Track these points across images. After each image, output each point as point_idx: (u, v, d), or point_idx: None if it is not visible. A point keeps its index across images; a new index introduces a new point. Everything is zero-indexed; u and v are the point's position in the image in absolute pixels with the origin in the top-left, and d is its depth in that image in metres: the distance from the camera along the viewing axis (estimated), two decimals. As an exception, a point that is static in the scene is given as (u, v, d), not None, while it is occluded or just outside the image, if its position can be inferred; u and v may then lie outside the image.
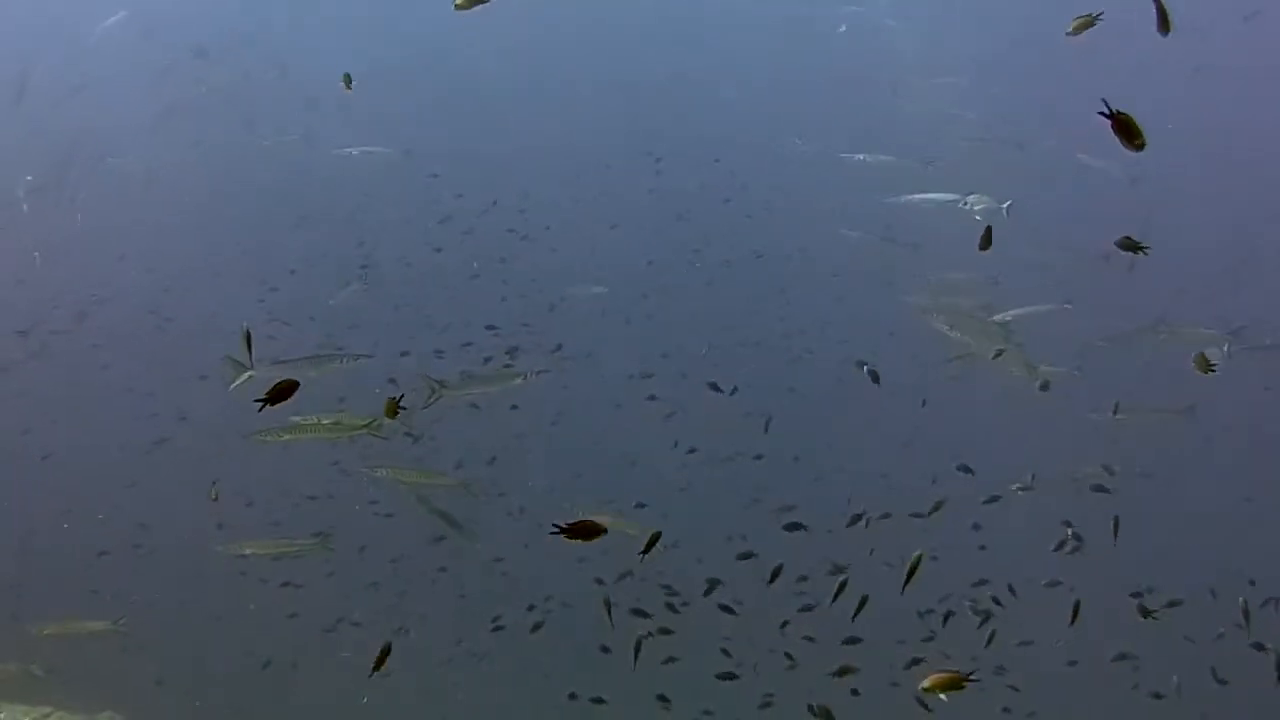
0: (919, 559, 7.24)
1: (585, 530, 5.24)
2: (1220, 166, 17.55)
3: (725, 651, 9.94)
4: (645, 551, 6.82)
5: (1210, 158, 17.38)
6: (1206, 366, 7.91)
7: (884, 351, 11.35)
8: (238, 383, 7.80)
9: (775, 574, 8.91)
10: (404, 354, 12.01)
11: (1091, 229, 11.81)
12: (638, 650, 8.48)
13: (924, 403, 12.06)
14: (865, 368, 9.91)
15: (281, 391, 5.83)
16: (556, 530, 5.16)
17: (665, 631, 9.46)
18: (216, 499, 9.48)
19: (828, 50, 21.15)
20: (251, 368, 7.68)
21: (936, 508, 9.19)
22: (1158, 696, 9.81)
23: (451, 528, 10.43)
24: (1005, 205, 10.97)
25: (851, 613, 8.23)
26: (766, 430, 11.80)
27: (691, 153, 17.30)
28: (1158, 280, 12.43)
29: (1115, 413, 10.71)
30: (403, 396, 7.34)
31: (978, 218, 11.03)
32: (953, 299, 10.74)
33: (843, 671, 8.62)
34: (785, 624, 9.89)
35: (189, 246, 15.73)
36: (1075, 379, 11.10)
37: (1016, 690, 9.84)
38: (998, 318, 10.46)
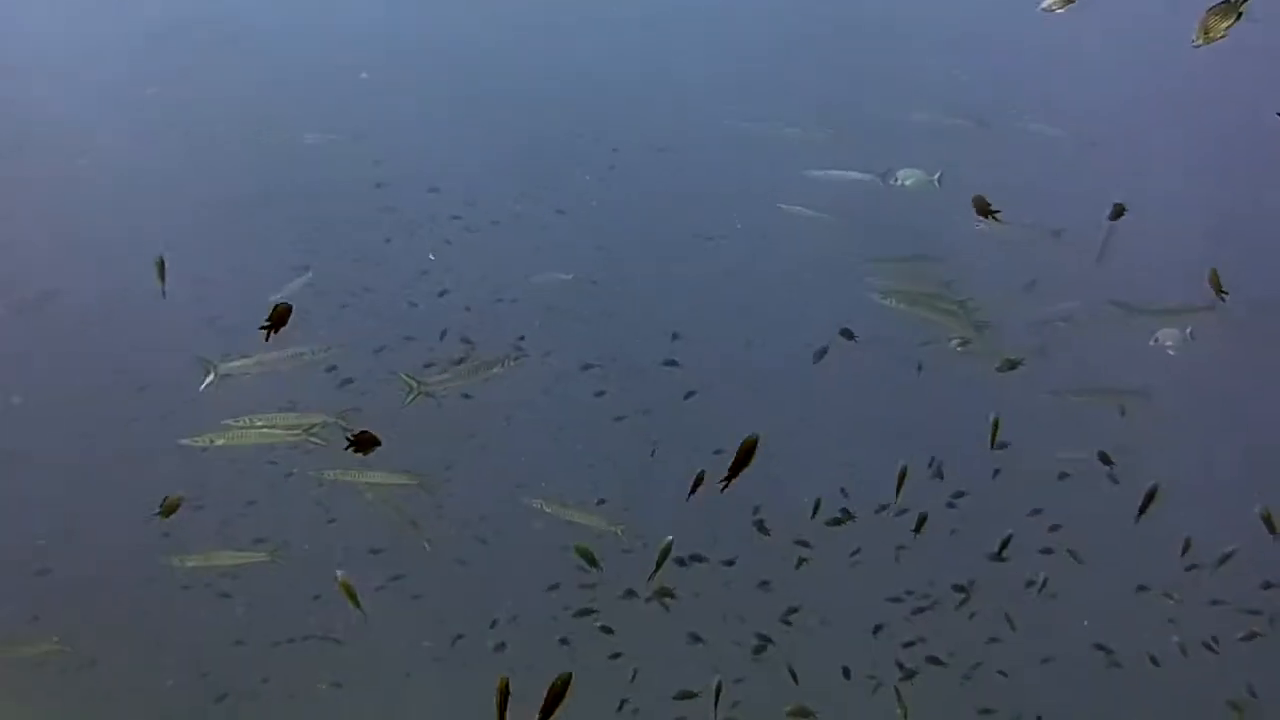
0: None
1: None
2: (1186, 133, 17.40)
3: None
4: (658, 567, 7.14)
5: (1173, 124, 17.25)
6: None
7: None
8: (208, 382, 7.79)
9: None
10: (379, 349, 11.76)
11: (1049, 202, 11.72)
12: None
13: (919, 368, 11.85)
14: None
15: (280, 316, 5.57)
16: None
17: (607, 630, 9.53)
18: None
19: (783, 25, 20.72)
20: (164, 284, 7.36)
21: (920, 523, 8.91)
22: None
23: (408, 524, 10.18)
24: (936, 176, 10.78)
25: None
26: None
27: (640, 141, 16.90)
28: (1121, 255, 12.33)
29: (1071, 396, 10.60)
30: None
31: (908, 188, 10.78)
32: (910, 279, 10.48)
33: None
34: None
35: (120, 238, 15.11)
36: (1039, 359, 10.95)
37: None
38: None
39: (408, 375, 8.10)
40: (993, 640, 10.43)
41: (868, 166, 12.42)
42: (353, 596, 7.43)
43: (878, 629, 10.57)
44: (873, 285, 10.41)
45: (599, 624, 10.09)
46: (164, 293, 7.27)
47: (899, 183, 10.83)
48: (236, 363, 8.04)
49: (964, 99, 15.40)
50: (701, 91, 17.97)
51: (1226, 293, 6.31)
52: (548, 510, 8.64)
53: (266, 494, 11.55)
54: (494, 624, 11.00)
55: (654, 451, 12.01)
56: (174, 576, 9.69)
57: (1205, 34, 3.97)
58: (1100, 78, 17.15)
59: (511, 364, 8.60)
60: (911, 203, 11.07)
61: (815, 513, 9.30)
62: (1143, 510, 8.00)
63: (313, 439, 7.69)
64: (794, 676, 9.48)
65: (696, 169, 17.04)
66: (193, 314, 13.04)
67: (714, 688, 7.77)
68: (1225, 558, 9.55)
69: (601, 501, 10.77)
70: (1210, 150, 16.71)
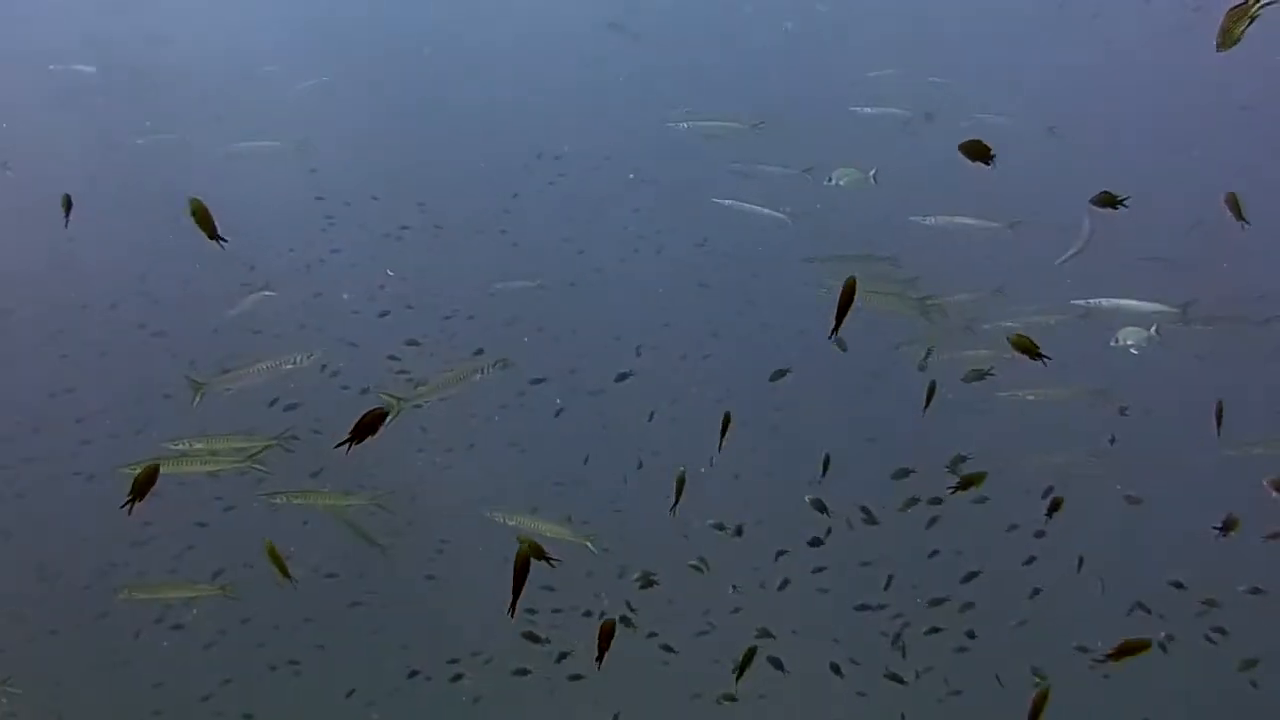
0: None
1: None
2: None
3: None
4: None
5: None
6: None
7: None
8: (198, 400, 7.63)
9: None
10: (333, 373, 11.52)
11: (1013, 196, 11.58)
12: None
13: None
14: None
15: (366, 426, 4.85)
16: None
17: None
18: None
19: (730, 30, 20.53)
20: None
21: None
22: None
23: (364, 540, 10.02)
24: (872, 173, 10.54)
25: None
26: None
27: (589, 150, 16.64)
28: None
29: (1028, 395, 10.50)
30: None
31: (844, 187, 10.60)
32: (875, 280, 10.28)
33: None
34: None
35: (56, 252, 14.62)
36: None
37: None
38: None
39: (388, 394, 7.66)
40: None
41: (820, 164, 12.19)
42: (279, 563, 7.10)
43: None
44: (820, 284, 10.21)
45: (557, 650, 9.97)
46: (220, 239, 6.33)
47: (833, 182, 10.54)
48: (224, 377, 7.89)
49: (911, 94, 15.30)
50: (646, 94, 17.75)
51: (1247, 221, 6.08)
52: (510, 523, 8.22)
53: (219, 519, 11.17)
54: (455, 663, 10.71)
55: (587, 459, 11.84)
56: (127, 607, 9.40)
57: (1225, 36, 3.92)
58: (1057, 68, 17.21)
59: (491, 369, 8.25)
60: (865, 201, 10.92)
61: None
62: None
63: (256, 467, 7.34)
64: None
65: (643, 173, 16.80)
66: (141, 332, 12.68)
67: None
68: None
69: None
70: (1175, 140, 16.76)
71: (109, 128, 16.43)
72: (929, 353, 9.84)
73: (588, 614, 10.23)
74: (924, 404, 8.15)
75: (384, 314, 13.12)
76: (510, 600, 4.34)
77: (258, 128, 15.26)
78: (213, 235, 5.31)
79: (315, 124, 15.59)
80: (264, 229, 14.90)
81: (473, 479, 12.09)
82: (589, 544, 8.39)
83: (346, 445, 4.84)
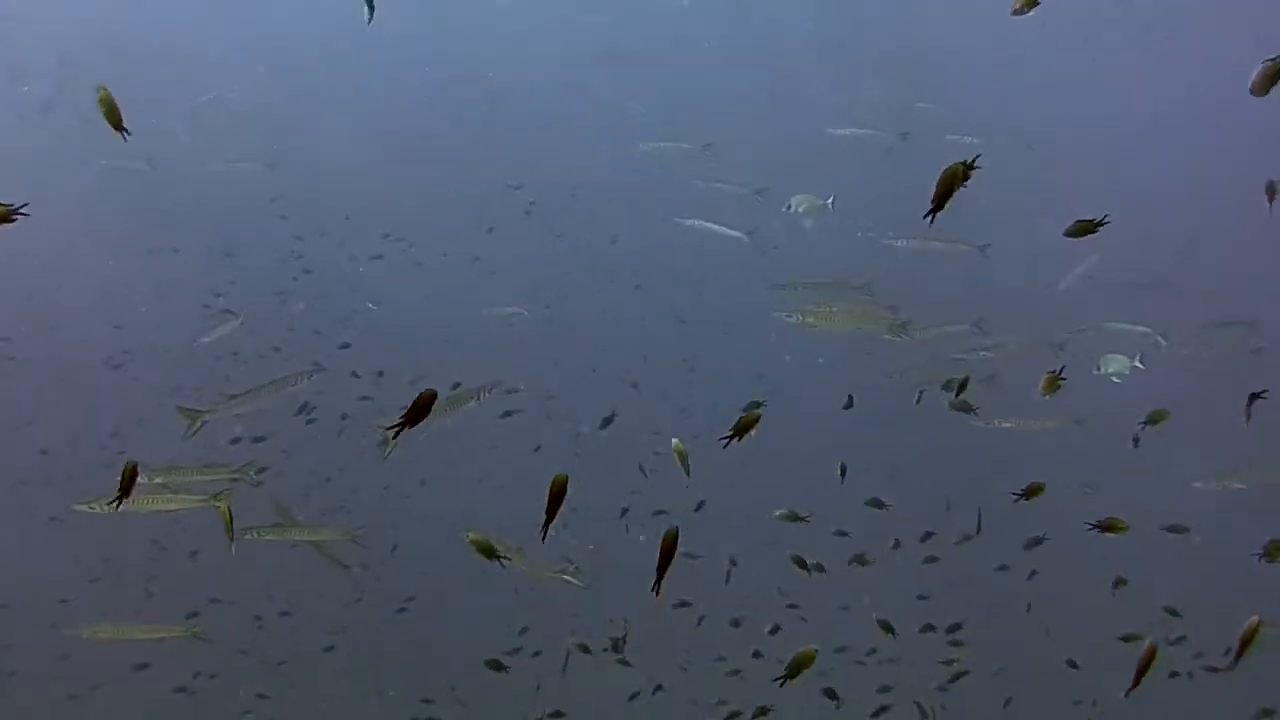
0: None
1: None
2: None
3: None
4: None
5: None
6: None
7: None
8: (195, 430, 7.31)
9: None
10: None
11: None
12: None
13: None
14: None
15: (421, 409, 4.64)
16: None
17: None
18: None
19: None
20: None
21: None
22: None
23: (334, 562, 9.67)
24: (829, 200, 10.58)
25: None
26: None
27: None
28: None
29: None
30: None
31: (804, 216, 10.59)
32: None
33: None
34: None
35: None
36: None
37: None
38: None
39: (380, 425, 7.34)
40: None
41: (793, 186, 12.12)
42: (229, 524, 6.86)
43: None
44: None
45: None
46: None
47: (791, 210, 10.57)
48: (223, 405, 7.57)
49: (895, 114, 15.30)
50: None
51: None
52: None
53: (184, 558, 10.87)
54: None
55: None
56: (91, 649, 9.02)
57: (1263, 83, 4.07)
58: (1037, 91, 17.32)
59: (487, 396, 7.89)
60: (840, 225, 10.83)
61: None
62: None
63: (215, 503, 7.07)
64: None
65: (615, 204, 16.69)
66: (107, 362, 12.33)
67: None
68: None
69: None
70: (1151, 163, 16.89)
71: (75, 148, 16.11)
72: (921, 394, 9.81)
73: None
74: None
75: (345, 346, 12.83)
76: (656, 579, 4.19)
77: (226, 150, 15.02)
78: (118, 127, 5.18)
79: (285, 145, 15.38)
80: (233, 250, 14.70)
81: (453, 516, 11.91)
82: (571, 578, 8.19)
83: (398, 430, 4.69)
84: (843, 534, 9.90)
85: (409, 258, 14.79)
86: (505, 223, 15.88)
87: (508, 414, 11.79)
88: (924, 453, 12.33)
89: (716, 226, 13.25)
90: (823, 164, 13.85)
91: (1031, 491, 6.61)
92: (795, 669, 5.45)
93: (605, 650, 9.45)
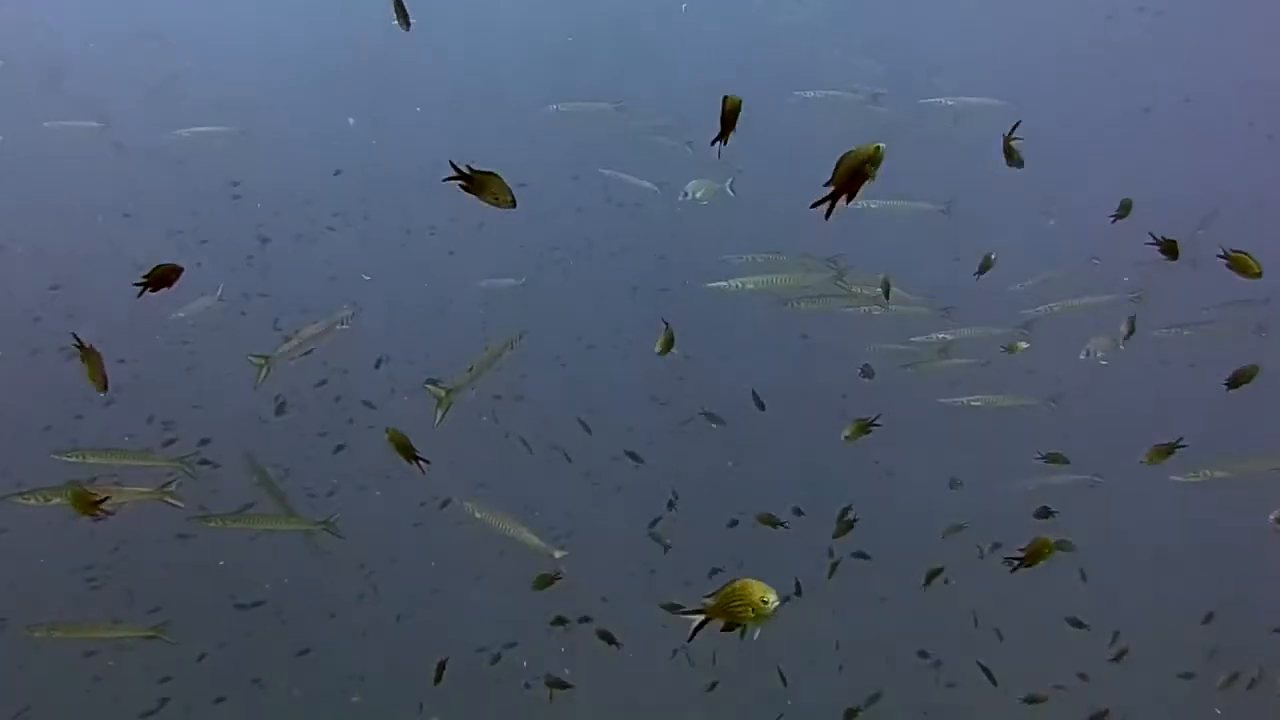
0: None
1: None
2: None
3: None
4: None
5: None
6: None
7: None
8: (264, 377, 7.23)
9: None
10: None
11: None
12: None
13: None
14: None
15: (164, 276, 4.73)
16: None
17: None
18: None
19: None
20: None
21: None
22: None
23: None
24: (728, 183, 10.39)
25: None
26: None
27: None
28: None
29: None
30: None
31: (702, 202, 10.29)
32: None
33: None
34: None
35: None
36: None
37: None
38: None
39: (433, 385, 6.92)
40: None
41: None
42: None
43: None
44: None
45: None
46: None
47: (688, 197, 10.28)
48: (284, 348, 7.52)
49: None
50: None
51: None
52: (478, 516, 7.72)
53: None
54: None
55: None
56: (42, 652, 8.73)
57: None
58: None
59: (517, 344, 7.49)
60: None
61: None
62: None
63: (169, 499, 6.77)
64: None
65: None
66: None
67: None
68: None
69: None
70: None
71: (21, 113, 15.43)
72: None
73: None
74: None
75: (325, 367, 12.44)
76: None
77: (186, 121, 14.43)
78: None
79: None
80: (198, 228, 14.20)
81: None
82: (557, 554, 7.92)
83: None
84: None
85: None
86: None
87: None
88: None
89: (630, 178, 13.22)
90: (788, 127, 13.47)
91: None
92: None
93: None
